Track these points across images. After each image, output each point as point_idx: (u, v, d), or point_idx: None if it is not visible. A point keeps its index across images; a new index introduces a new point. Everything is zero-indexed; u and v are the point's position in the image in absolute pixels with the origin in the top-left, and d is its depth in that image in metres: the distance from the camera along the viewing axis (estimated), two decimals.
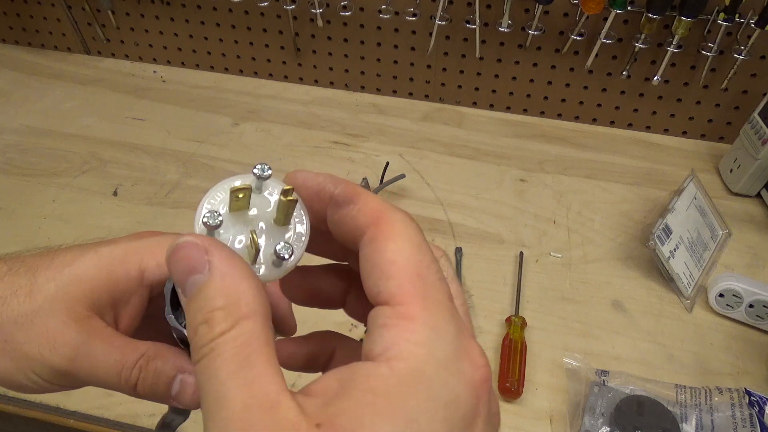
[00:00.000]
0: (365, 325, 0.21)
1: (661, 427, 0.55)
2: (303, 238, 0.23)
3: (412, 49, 0.94)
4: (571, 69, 0.90)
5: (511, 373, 0.61)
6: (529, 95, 0.95)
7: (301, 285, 0.26)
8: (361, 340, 0.21)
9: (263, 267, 0.22)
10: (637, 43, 0.81)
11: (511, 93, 0.95)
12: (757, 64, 0.81)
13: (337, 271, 0.26)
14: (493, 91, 0.96)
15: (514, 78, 0.93)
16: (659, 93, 0.89)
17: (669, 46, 0.80)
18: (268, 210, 0.23)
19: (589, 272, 0.73)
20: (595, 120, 0.95)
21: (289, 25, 0.96)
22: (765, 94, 0.78)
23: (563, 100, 0.94)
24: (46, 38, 1.11)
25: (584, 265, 0.74)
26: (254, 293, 0.19)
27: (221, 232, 0.22)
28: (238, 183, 0.22)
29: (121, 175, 0.87)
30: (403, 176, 0.83)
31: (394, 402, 0.17)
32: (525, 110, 0.97)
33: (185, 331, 0.25)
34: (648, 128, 0.94)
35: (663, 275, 0.71)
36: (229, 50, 1.03)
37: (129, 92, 1.03)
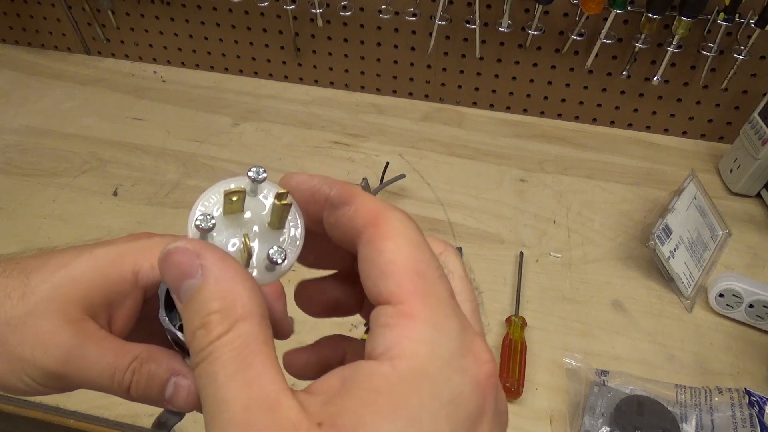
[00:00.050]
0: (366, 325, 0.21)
1: (661, 427, 0.55)
2: (297, 243, 0.23)
3: (412, 49, 0.94)
4: (571, 69, 0.90)
5: (511, 373, 0.61)
6: (529, 95, 0.95)
7: (319, 299, 0.26)
8: (363, 340, 0.21)
9: (255, 271, 0.22)
10: (637, 43, 0.81)
11: (511, 93, 0.95)
12: (757, 64, 0.81)
13: (350, 277, 0.26)
14: (493, 91, 0.96)
15: (514, 78, 0.93)
16: (659, 93, 0.89)
17: (669, 46, 0.80)
18: (263, 213, 0.23)
19: (589, 272, 0.73)
20: (595, 120, 0.95)
21: (289, 25, 0.96)
22: (765, 94, 0.78)
23: (563, 100, 0.94)
24: (46, 38, 1.11)
25: (584, 265, 0.74)
26: (250, 294, 0.19)
27: (214, 235, 0.22)
28: (232, 186, 0.22)
29: (121, 175, 0.87)
30: (403, 176, 0.83)
31: (396, 401, 0.17)
32: (525, 110, 0.97)
33: (179, 333, 0.25)
34: (648, 128, 0.94)
35: (663, 275, 0.71)
36: (229, 50, 1.03)
37: (129, 92, 1.03)
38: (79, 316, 0.26)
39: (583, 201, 0.82)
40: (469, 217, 0.80)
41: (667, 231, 0.69)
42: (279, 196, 0.22)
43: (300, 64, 1.02)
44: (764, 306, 0.64)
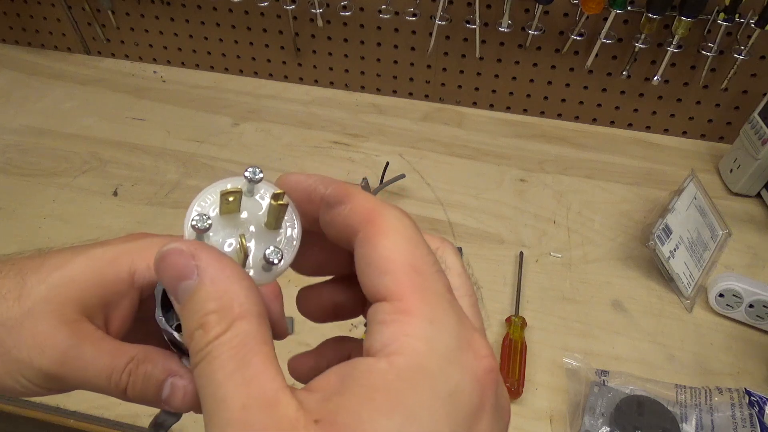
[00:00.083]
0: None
1: (661, 427, 0.55)
2: (294, 243, 0.23)
3: (412, 49, 0.94)
4: (571, 69, 0.90)
5: (511, 373, 0.61)
6: (529, 95, 0.95)
7: (321, 304, 0.26)
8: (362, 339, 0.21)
9: (252, 271, 0.22)
10: (637, 43, 0.81)
11: (511, 93, 0.95)
12: (757, 64, 0.81)
13: (350, 280, 0.26)
14: (493, 91, 0.96)
15: (514, 78, 0.93)
16: (659, 93, 0.89)
17: (669, 46, 0.80)
18: (260, 213, 0.23)
19: (589, 272, 0.73)
20: (595, 120, 0.95)
21: (289, 25, 0.96)
22: (765, 94, 0.78)
23: (563, 100, 0.94)
24: (46, 38, 1.11)
25: (584, 265, 0.74)
26: (247, 293, 0.19)
27: (211, 235, 0.22)
28: (228, 186, 0.22)
29: (121, 175, 0.87)
30: (403, 176, 0.83)
31: (394, 397, 0.17)
32: (525, 110, 0.97)
33: (175, 334, 0.25)
34: (648, 128, 0.94)
35: (663, 275, 0.71)
36: (229, 50, 1.03)
37: (129, 92, 1.03)
38: (75, 317, 0.26)
39: (583, 201, 0.82)
40: (469, 217, 0.80)
41: (667, 231, 0.69)
42: (275, 196, 0.21)
43: (300, 64, 1.02)
44: (764, 306, 0.64)
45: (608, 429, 0.56)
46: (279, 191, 0.22)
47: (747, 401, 0.56)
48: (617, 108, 0.92)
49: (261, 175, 0.22)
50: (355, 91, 1.03)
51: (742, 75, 0.83)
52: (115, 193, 0.84)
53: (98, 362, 0.25)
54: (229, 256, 0.21)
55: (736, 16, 0.75)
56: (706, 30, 0.80)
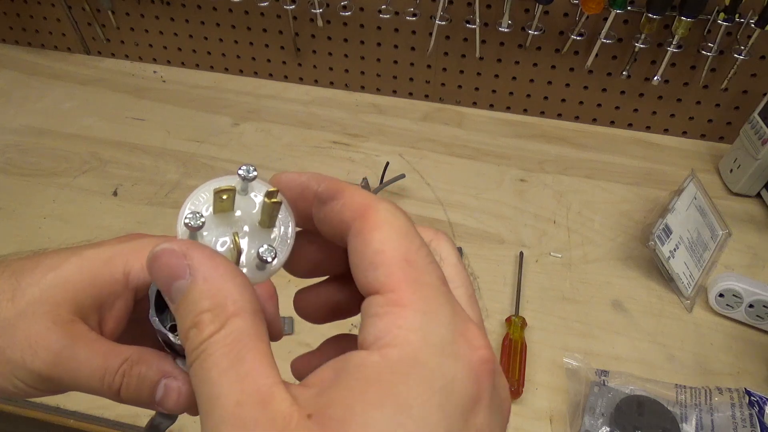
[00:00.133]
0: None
1: (661, 427, 0.55)
2: (288, 241, 0.23)
3: (412, 49, 0.94)
4: (571, 69, 0.89)
5: (511, 373, 0.61)
6: (529, 95, 0.95)
7: (319, 305, 0.26)
8: None
9: (245, 270, 0.22)
10: (637, 43, 0.81)
11: (511, 93, 0.95)
12: (757, 64, 0.81)
13: (346, 279, 0.25)
14: (493, 91, 0.96)
15: (514, 78, 0.93)
16: (659, 93, 0.89)
17: (669, 46, 0.80)
18: (253, 212, 0.23)
19: (589, 272, 0.73)
20: (595, 120, 0.95)
21: (289, 25, 0.96)
22: (765, 94, 0.78)
23: (563, 100, 0.94)
24: (46, 38, 1.11)
25: (584, 265, 0.74)
26: (240, 290, 0.19)
27: (204, 233, 0.22)
28: (222, 184, 0.22)
29: (121, 175, 0.87)
30: (403, 176, 0.83)
31: (386, 389, 0.17)
32: (525, 110, 0.97)
33: (170, 335, 0.25)
34: (648, 128, 0.94)
35: (663, 275, 0.71)
36: (229, 50, 1.03)
37: (129, 92, 1.03)
38: (69, 318, 0.26)
39: (583, 201, 0.82)
40: (469, 217, 0.80)
41: (667, 231, 0.69)
42: (269, 194, 0.21)
43: (300, 64, 1.02)
44: (764, 306, 0.64)
45: (608, 429, 0.56)
46: (272, 189, 0.22)
47: (747, 401, 0.56)
48: (617, 108, 0.92)
49: (255, 173, 0.22)
50: (355, 91, 1.03)
51: (742, 75, 0.83)
52: (115, 193, 0.84)
53: (91, 363, 0.25)
54: (223, 254, 0.21)
55: (736, 16, 0.75)
56: (706, 30, 0.80)
